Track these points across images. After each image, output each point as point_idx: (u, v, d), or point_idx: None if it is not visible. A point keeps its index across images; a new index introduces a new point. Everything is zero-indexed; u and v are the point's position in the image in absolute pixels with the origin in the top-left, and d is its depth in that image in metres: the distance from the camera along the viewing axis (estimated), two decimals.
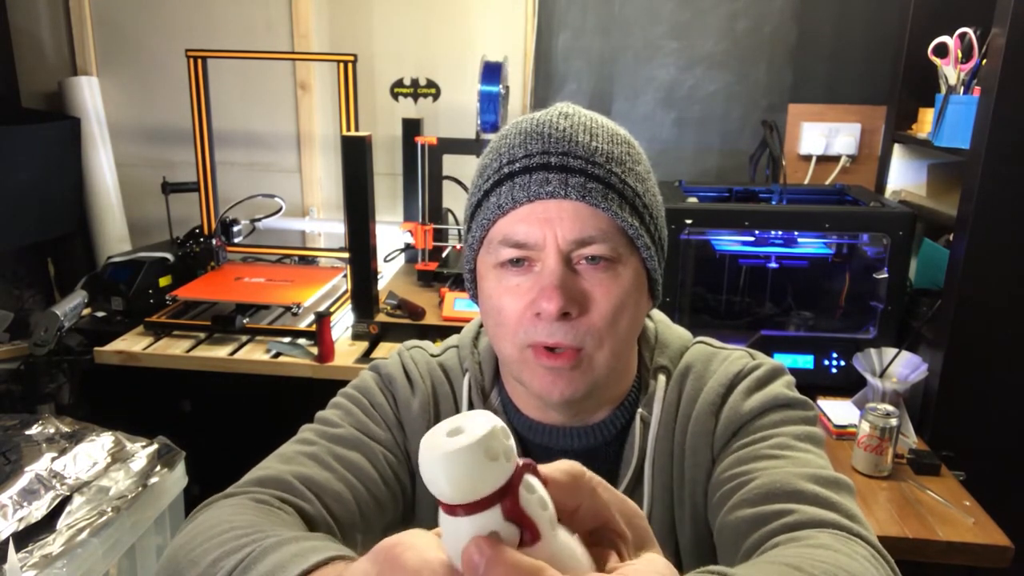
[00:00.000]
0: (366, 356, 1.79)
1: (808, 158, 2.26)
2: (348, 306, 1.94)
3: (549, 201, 0.69)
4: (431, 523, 0.89)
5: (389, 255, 2.27)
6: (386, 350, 1.83)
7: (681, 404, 0.80)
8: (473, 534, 0.33)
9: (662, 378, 0.81)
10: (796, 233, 1.81)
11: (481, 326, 0.89)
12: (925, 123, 1.93)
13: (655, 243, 0.74)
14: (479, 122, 1.95)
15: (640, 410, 0.79)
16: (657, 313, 0.88)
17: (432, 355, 0.87)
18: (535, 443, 0.80)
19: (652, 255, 0.73)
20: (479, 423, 0.34)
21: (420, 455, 0.34)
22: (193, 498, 1.51)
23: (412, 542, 0.36)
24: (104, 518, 1.24)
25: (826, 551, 0.58)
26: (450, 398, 0.84)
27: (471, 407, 0.82)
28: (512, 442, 0.35)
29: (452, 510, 0.34)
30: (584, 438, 0.79)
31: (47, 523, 1.20)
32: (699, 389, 0.80)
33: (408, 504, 0.82)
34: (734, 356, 0.82)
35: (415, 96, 2.35)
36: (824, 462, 0.72)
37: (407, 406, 0.82)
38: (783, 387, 0.78)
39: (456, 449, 0.33)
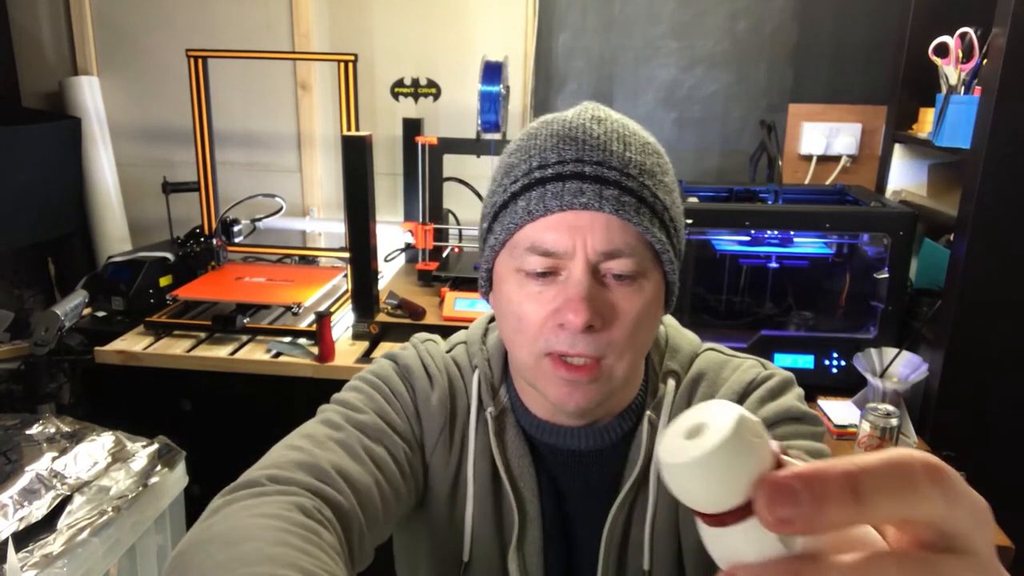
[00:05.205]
0: (366, 356, 1.79)
1: (808, 158, 2.26)
2: (348, 306, 1.94)
3: (582, 212, 0.68)
4: (440, 516, 0.88)
5: (389, 255, 2.27)
6: (386, 350, 1.83)
7: None
8: (755, 543, 0.28)
9: (671, 382, 0.81)
10: (792, 233, 1.81)
11: (490, 321, 0.88)
12: (925, 123, 1.93)
13: (677, 257, 0.74)
14: (479, 122, 1.95)
15: (648, 413, 0.79)
16: (667, 316, 0.87)
17: (444, 350, 0.87)
18: (543, 442, 0.80)
19: (674, 269, 0.73)
20: (719, 413, 0.30)
21: (665, 467, 0.29)
22: (193, 498, 1.51)
23: None
24: (104, 518, 1.24)
25: None
26: (463, 394, 0.83)
27: (480, 404, 0.82)
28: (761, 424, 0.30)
29: (719, 520, 0.29)
30: (591, 439, 0.79)
31: (47, 523, 1.20)
32: (711, 395, 0.80)
33: (419, 497, 0.82)
34: (746, 364, 0.82)
35: (415, 96, 2.35)
36: None
37: (426, 399, 0.82)
38: (795, 399, 0.78)
39: (713, 447, 0.28)
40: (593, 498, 0.80)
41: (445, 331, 0.93)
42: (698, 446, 0.28)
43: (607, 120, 0.72)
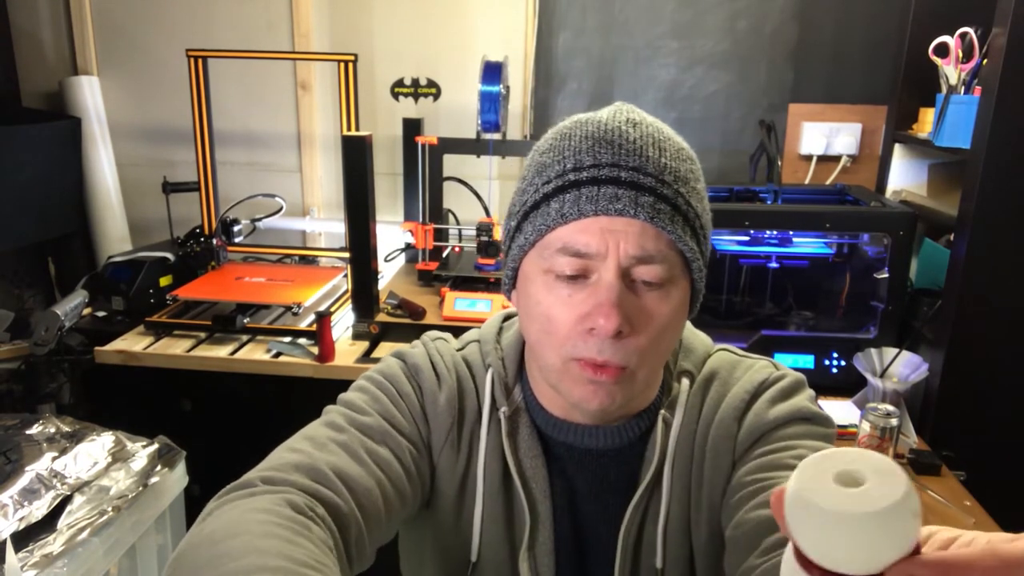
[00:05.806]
0: (367, 356, 1.79)
1: (809, 158, 2.26)
2: (348, 306, 1.94)
3: (616, 217, 0.68)
4: (447, 517, 0.88)
5: (389, 255, 2.27)
6: (387, 350, 1.83)
7: (704, 408, 0.80)
8: None
9: (685, 382, 0.81)
10: (792, 233, 1.81)
11: (505, 320, 0.88)
12: (926, 123, 1.93)
13: (705, 264, 0.74)
14: (479, 122, 1.95)
15: (663, 412, 0.80)
16: None
17: (455, 349, 0.87)
18: (558, 441, 0.80)
19: (702, 276, 0.73)
20: (883, 471, 0.27)
21: (809, 506, 0.27)
22: (193, 498, 1.51)
23: None
24: (105, 517, 1.24)
25: None
26: (473, 394, 0.83)
27: (493, 403, 0.81)
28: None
29: None
30: (607, 438, 0.79)
31: (48, 523, 1.20)
32: (723, 395, 0.80)
33: (426, 498, 0.82)
34: (759, 365, 0.83)
35: (415, 96, 2.35)
36: None
37: (433, 399, 0.81)
38: (807, 400, 0.79)
39: (882, 509, 0.25)
40: (608, 497, 0.80)
41: (445, 331, 0.92)
42: (862, 501, 0.26)
43: (642, 124, 0.71)
